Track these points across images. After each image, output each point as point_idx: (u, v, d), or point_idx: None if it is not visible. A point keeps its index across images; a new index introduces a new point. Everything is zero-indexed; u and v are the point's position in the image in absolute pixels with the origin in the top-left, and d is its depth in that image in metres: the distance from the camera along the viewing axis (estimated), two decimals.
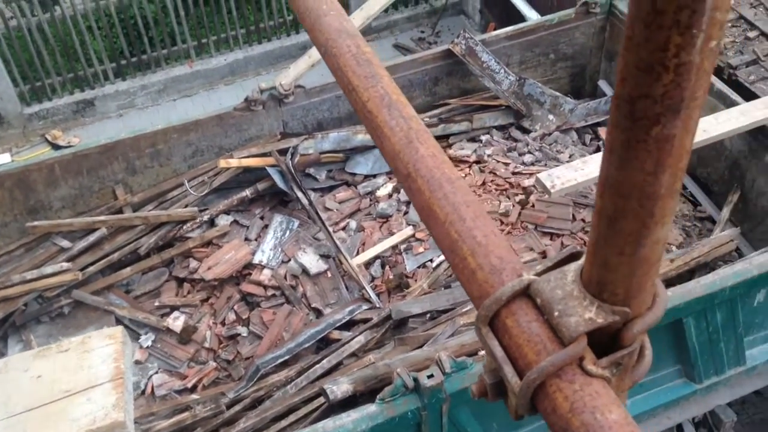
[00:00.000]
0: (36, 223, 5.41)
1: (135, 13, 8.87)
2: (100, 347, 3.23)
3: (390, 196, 5.79)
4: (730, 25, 6.24)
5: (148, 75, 9.20)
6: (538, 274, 1.12)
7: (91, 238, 5.50)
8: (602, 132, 5.97)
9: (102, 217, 5.54)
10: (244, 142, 5.88)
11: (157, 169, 5.72)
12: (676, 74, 0.79)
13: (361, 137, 5.89)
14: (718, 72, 5.86)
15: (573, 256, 1.12)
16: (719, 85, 5.28)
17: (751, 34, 6.12)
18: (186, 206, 5.71)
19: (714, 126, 4.81)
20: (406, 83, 6.08)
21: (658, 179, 0.88)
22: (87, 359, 3.17)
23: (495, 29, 7.76)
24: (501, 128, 6.12)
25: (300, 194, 5.67)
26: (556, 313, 1.05)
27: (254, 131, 5.87)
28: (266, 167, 5.77)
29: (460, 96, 6.25)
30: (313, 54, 7.91)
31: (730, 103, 5.09)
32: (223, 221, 5.78)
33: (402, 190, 5.82)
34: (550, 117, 5.99)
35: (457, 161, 5.80)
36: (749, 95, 5.54)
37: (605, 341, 1.05)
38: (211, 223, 5.81)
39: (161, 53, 9.18)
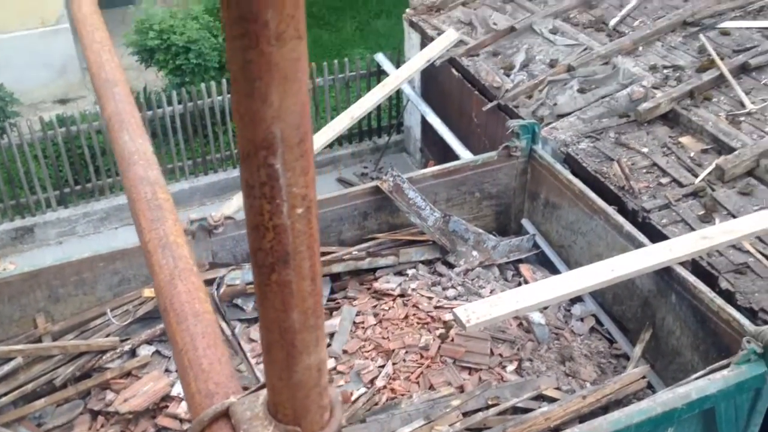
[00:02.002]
0: None
1: (82, 143, 9.08)
2: None
3: None
4: (644, 171, 6.61)
5: (91, 203, 9.30)
6: (241, 398, 1.24)
7: (6, 367, 5.38)
8: (524, 269, 6.16)
9: (19, 346, 5.45)
10: None
11: (81, 298, 5.70)
12: (275, 233, 0.94)
13: None
14: (633, 215, 6.17)
15: None
16: (628, 227, 5.55)
17: (664, 180, 6.48)
18: (107, 336, 5.65)
19: (622, 265, 5.02)
20: (336, 217, 6.26)
21: (289, 316, 1.03)
22: None
23: (434, 166, 8.11)
24: (427, 263, 6.29)
25: (224, 325, 5.67)
26: None
27: None
28: None
29: (389, 231, 6.44)
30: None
31: (638, 245, 5.34)
32: (145, 351, 5.72)
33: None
34: (474, 253, 6.18)
35: (382, 294, 5.90)
36: (661, 238, 5.80)
37: None
38: (133, 353, 5.74)
39: (106, 182, 9.33)
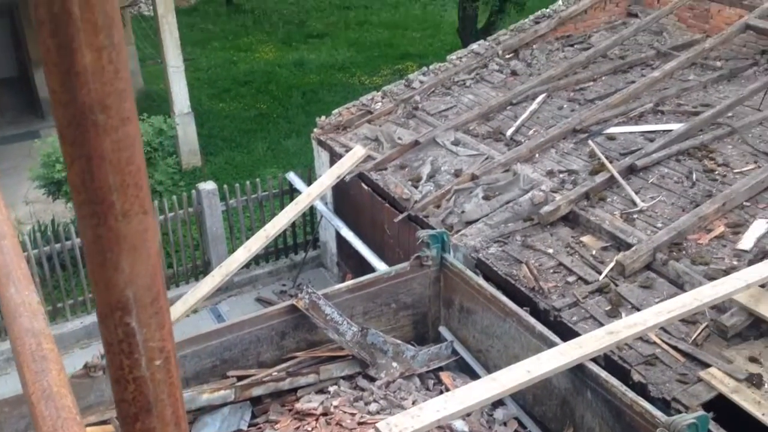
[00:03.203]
0: None
1: None
2: None
3: None
4: (552, 271, 6.87)
5: None
6: None
7: None
8: (444, 376, 6.20)
9: None
10: (83, 410, 5.67)
11: None
12: (136, 385, 0.99)
13: (207, 396, 5.82)
14: (545, 314, 6.35)
15: None
16: (540, 327, 5.70)
17: (571, 278, 6.74)
18: None
19: (537, 366, 5.12)
20: (254, 339, 6.19)
21: None
22: None
23: (352, 279, 8.18)
24: (348, 378, 6.24)
25: None
26: None
27: (94, 398, 5.69)
28: None
29: (308, 348, 6.40)
30: (173, 313, 8.02)
31: (551, 344, 5.47)
32: None
33: None
34: (394, 364, 6.19)
35: (304, 415, 5.79)
36: (573, 335, 5.97)
37: None
38: None
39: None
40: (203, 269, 10.38)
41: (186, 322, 9.14)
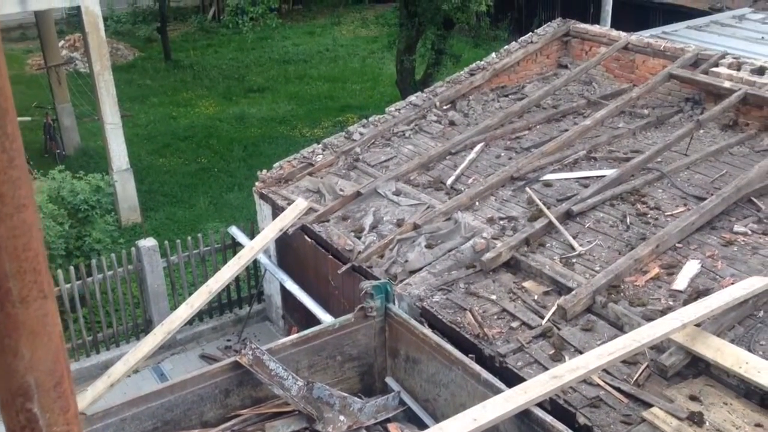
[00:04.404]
0: None
1: None
2: None
3: None
4: (496, 317, 6.92)
5: None
6: None
7: None
8: (392, 428, 6.15)
9: None
10: None
11: None
12: None
13: None
14: (491, 361, 6.38)
15: None
16: (485, 374, 5.74)
17: (514, 324, 6.81)
18: None
19: (483, 414, 5.14)
20: (197, 398, 6.05)
21: None
22: None
23: (297, 332, 8.09)
24: None
25: None
26: None
27: None
28: None
29: (253, 405, 6.28)
30: (113, 373, 7.77)
31: (497, 391, 5.50)
32: None
33: None
34: (341, 418, 6.12)
35: None
36: (519, 380, 6.01)
37: None
38: None
39: None
40: (144, 327, 10.14)
41: (127, 382, 8.87)
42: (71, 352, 9.58)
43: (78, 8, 12.60)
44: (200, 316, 10.50)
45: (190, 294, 8.80)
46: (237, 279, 10.37)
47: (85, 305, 9.77)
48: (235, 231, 10.39)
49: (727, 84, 9.47)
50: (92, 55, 13.01)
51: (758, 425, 5.25)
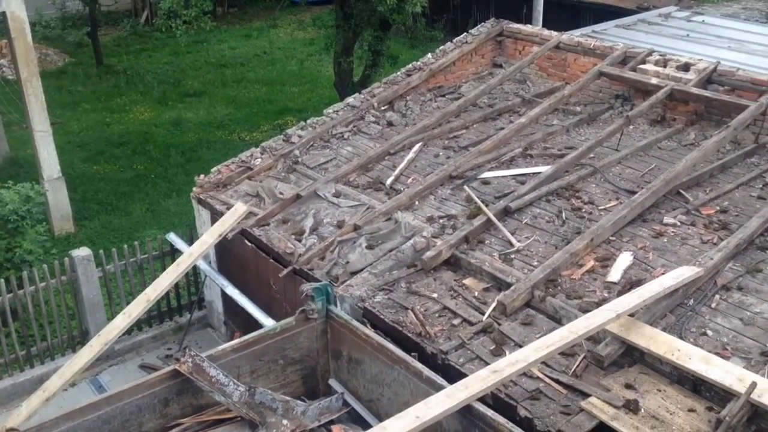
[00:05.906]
0: None
1: None
2: None
3: None
4: (437, 315, 6.97)
5: None
6: None
7: None
8: (336, 430, 6.12)
9: None
10: None
11: None
12: None
13: None
14: (434, 358, 6.42)
15: None
16: (427, 372, 5.77)
17: (456, 321, 6.86)
18: None
19: (425, 411, 5.16)
20: (134, 409, 5.92)
21: None
22: None
23: (240, 337, 7.99)
24: None
25: None
26: None
27: None
28: None
29: (194, 414, 6.17)
30: (49, 388, 7.54)
31: (438, 388, 5.54)
32: None
33: None
34: (284, 422, 6.07)
35: None
36: (461, 376, 6.06)
37: None
38: None
39: None
40: (81, 339, 9.88)
41: (64, 396, 8.64)
42: (4, 367, 9.26)
43: (3, 13, 12.18)
44: (139, 325, 10.30)
45: (128, 303, 8.62)
46: (176, 286, 10.20)
47: (17, 319, 9.46)
48: (173, 238, 10.21)
49: (654, 80, 9.76)
50: (19, 62, 12.60)
51: (691, 410, 5.42)
